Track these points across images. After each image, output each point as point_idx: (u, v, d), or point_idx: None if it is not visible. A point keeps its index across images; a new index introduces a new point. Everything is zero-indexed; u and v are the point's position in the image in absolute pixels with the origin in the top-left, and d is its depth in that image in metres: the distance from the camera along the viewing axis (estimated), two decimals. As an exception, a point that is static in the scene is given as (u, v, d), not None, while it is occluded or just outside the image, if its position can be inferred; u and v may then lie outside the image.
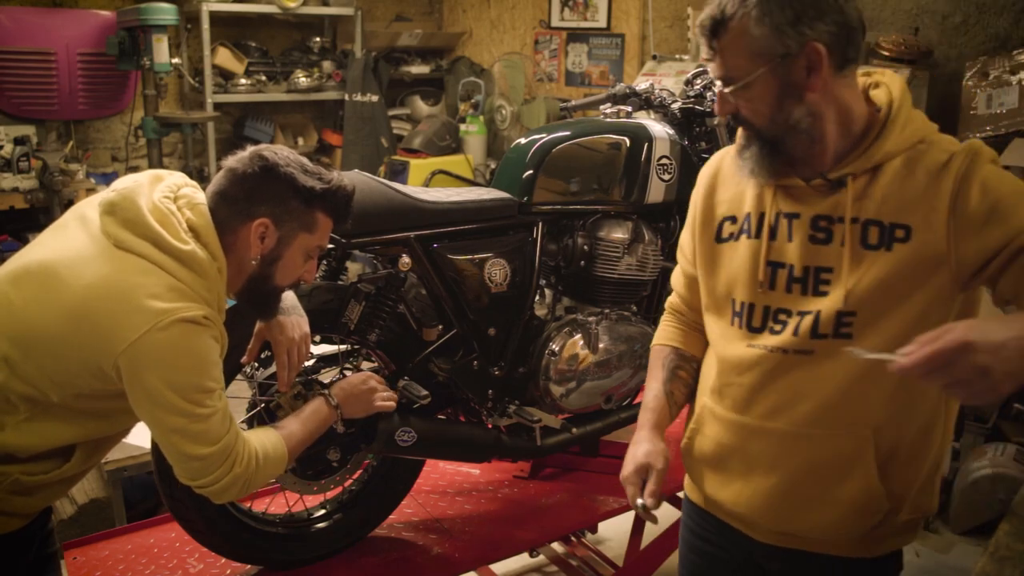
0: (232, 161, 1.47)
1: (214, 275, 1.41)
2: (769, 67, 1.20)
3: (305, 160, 1.51)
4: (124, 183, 1.44)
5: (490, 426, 2.07)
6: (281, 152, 1.48)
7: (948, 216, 1.20)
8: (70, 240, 1.41)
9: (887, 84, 1.33)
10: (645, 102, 2.42)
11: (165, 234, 1.37)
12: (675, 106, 2.39)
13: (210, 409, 1.40)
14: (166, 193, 1.44)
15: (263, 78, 5.32)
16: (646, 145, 2.20)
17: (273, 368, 1.81)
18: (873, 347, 1.17)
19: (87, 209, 1.45)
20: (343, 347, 1.93)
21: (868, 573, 1.39)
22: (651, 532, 2.25)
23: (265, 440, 1.52)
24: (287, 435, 1.58)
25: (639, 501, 1.36)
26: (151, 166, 4.66)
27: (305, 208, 1.47)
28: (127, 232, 1.37)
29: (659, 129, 2.25)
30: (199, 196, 1.48)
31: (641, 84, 2.42)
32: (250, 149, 1.48)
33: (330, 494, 1.99)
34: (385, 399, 1.77)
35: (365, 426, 1.86)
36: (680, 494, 2.61)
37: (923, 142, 1.25)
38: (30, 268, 1.38)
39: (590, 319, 2.15)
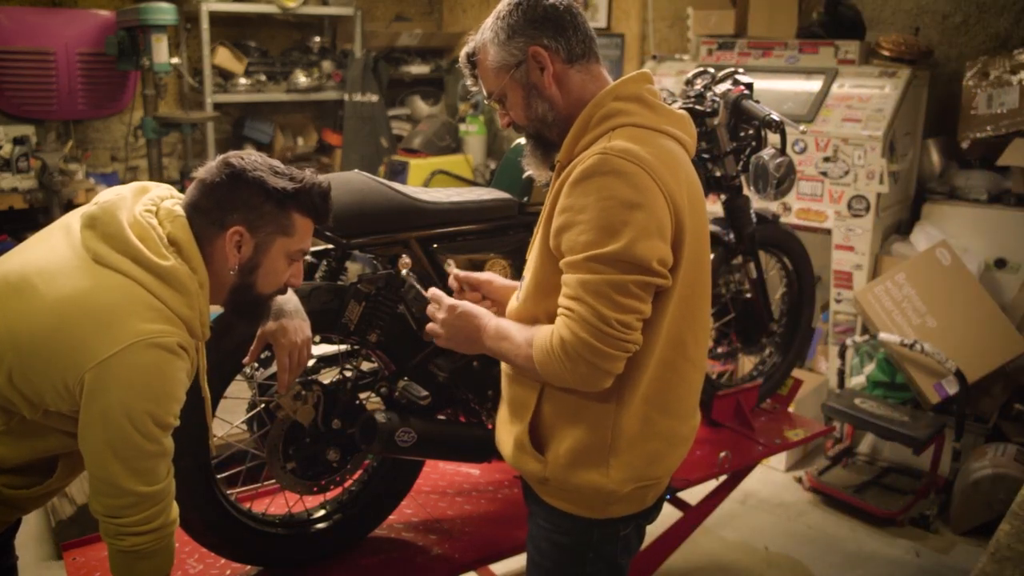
0: (201, 172, 1.44)
1: (195, 290, 1.38)
2: (510, 76, 1.47)
3: (275, 162, 1.47)
4: (107, 196, 1.42)
5: (490, 426, 2.07)
6: (249, 157, 1.44)
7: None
8: (51, 251, 1.38)
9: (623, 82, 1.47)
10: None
11: (144, 250, 1.34)
12: (675, 106, 2.38)
13: (160, 448, 1.35)
14: (148, 206, 1.42)
15: (263, 78, 5.32)
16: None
17: (273, 369, 1.81)
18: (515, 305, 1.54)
19: (72, 220, 1.43)
20: (343, 347, 1.93)
21: (541, 514, 1.57)
22: (651, 532, 2.24)
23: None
24: None
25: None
26: (151, 166, 4.66)
27: (279, 211, 1.43)
28: (107, 247, 1.34)
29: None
30: (180, 208, 1.44)
31: (641, 84, 2.42)
32: (218, 158, 1.45)
33: (330, 494, 1.98)
34: None
35: (365, 427, 1.85)
36: (680, 493, 2.62)
37: (595, 145, 1.40)
38: (8, 278, 1.36)
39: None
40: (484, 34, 1.50)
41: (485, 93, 1.54)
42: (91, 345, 1.27)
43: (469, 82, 1.57)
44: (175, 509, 1.43)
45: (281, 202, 1.42)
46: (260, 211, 1.42)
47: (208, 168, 1.44)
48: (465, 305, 1.55)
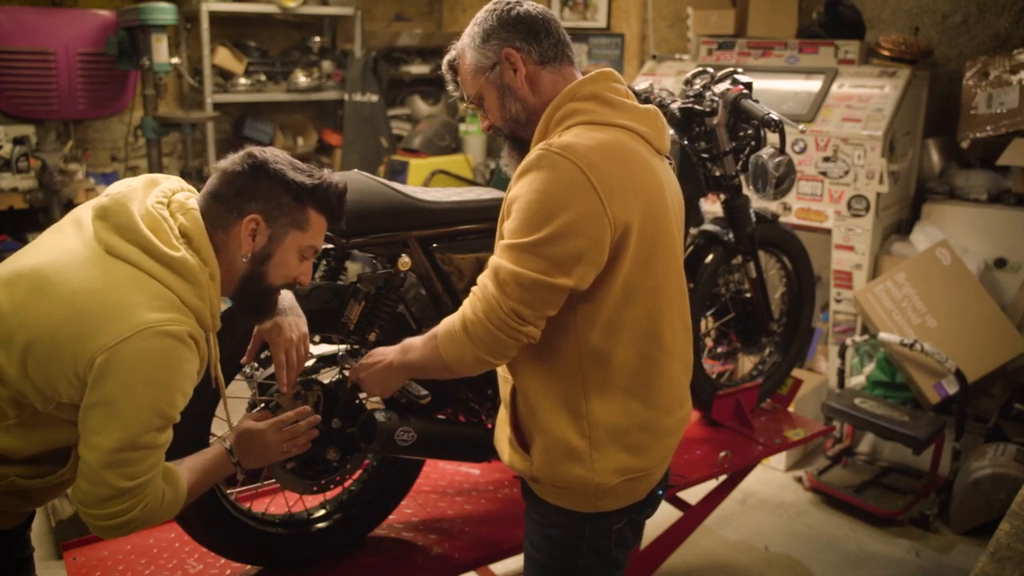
0: (223, 162, 1.48)
1: (205, 281, 1.40)
2: (486, 78, 1.53)
3: (295, 160, 1.51)
4: (118, 188, 1.44)
5: (490, 426, 2.07)
6: (271, 151, 1.48)
7: None
8: (63, 244, 1.40)
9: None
10: (644, 102, 2.41)
11: (156, 240, 1.36)
12: (675, 106, 2.39)
13: (154, 441, 1.35)
14: (159, 198, 1.44)
15: (263, 78, 5.32)
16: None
17: (273, 368, 1.81)
18: None
19: (83, 213, 1.45)
20: (343, 347, 1.93)
21: (536, 509, 1.61)
22: (651, 532, 2.24)
23: (172, 487, 1.45)
24: (189, 484, 1.49)
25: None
26: (150, 166, 4.66)
27: (296, 204, 1.46)
28: (118, 238, 1.36)
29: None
30: (192, 201, 1.47)
31: (641, 84, 2.42)
32: (241, 151, 1.49)
33: (330, 494, 1.98)
34: (287, 449, 1.66)
35: (364, 426, 1.86)
36: (679, 493, 2.62)
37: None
38: (22, 272, 1.37)
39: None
40: (463, 40, 1.57)
41: (465, 96, 1.60)
42: (101, 333, 1.29)
43: (451, 87, 1.64)
44: (157, 489, 1.41)
45: (299, 196, 1.46)
46: (278, 202, 1.45)
47: (231, 159, 1.48)
48: (365, 356, 1.70)
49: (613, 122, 1.46)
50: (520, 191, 1.41)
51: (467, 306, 1.46)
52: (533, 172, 1.40)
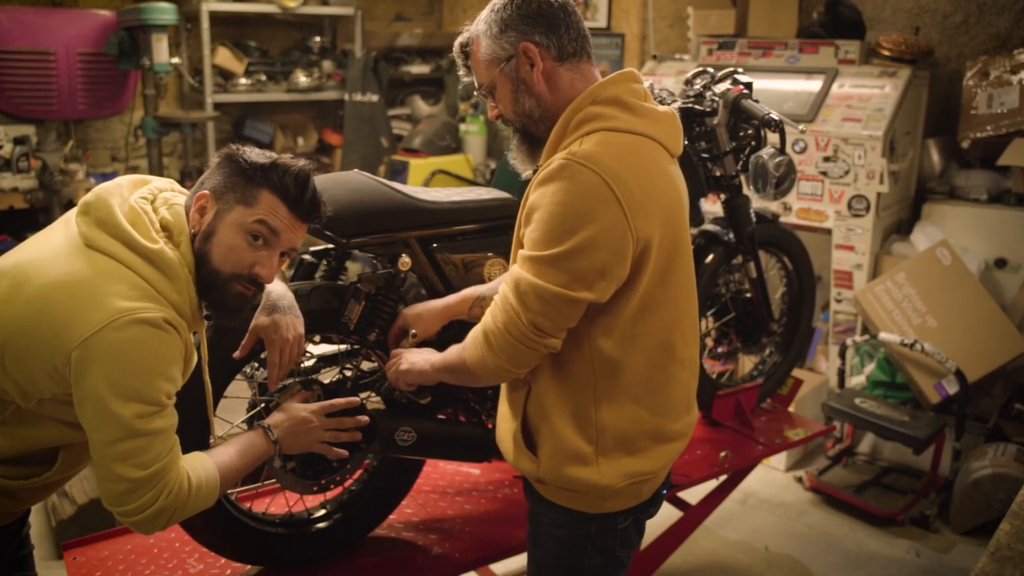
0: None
1: (184, 276, 1.39)
2: (500, 70, 1.48)
3: (273, 153, 1.50)
4: (104, 185, 1.45)
5: (490, 425, 2.07)
6: (248, 148, 1.48)
7: None
8: (49, 243, 1.41)
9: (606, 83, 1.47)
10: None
11: (134, 233, 1.36)
12: (674, 106, 2.39)
13: (152, 427, 1.33)
14: (144, 195, 1.44)
15: (263, 78, 5.32)
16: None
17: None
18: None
19: (72, 212, 1.46)
20: (343, 347, 1.93)
21: (540, 510, 1.61)
22: (651, 532, 2.24)
23: (200, 471, 1.43)
24: (222, 467, 1.48)
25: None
26: (151, 166, 4.66)
27: (246, 182, 1.43)
28: (99, 231, 1.36)
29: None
30: (179, 198, 1.47)
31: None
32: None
33: (330, 494, 1.99)
34: (331, 438, 1.70)
35: (365, 426, 1.85)
36: (680, 493, 2.62)
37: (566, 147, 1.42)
38: (5, 270, 1.38)
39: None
40: (478, 25, 1.51)
41: (476, 84, 1.55)
42: (74, 325, 1.28)
43: (461, 72, 1.60)
44: (182, 476, 1.39)
45: (249, 174, 1.44)
46: (229, 180, 1.44)
47: (213, 158, 1.50)
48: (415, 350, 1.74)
49: (634, 130, 1.42)
50: (542, 201, 1.38)
51: (488, 316, 1.46)
52: (556, 182, 1.36)
